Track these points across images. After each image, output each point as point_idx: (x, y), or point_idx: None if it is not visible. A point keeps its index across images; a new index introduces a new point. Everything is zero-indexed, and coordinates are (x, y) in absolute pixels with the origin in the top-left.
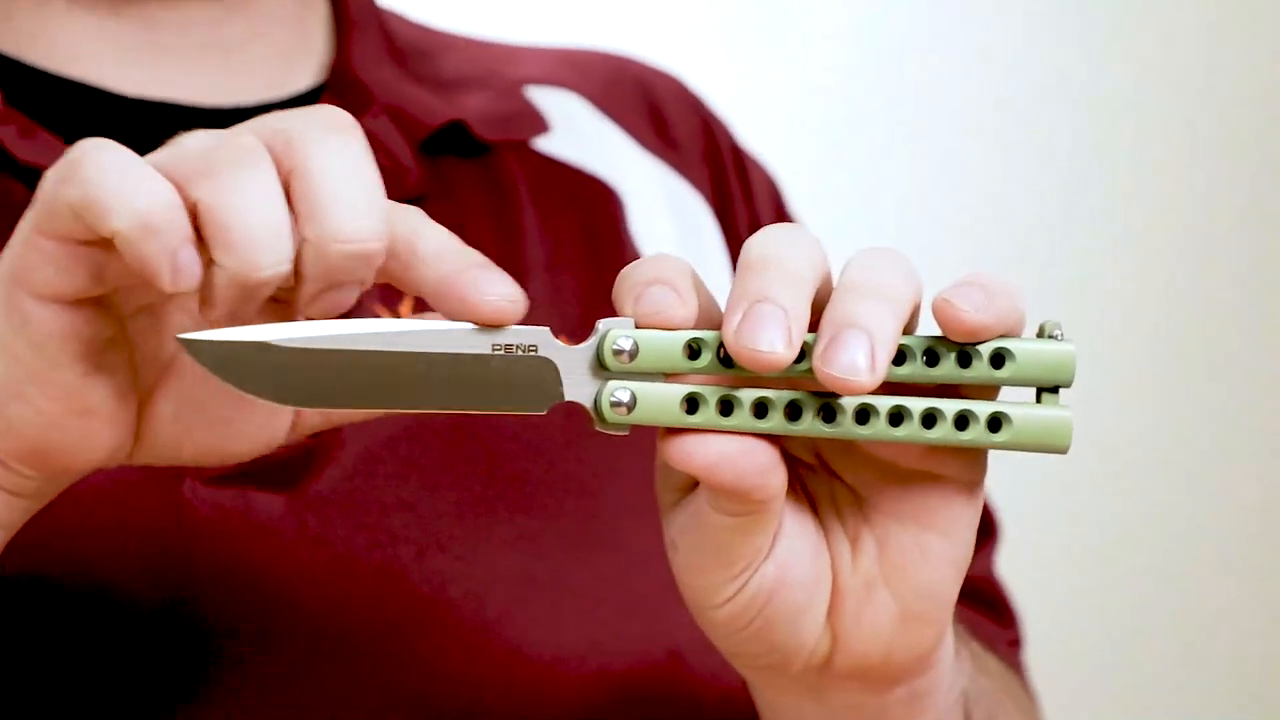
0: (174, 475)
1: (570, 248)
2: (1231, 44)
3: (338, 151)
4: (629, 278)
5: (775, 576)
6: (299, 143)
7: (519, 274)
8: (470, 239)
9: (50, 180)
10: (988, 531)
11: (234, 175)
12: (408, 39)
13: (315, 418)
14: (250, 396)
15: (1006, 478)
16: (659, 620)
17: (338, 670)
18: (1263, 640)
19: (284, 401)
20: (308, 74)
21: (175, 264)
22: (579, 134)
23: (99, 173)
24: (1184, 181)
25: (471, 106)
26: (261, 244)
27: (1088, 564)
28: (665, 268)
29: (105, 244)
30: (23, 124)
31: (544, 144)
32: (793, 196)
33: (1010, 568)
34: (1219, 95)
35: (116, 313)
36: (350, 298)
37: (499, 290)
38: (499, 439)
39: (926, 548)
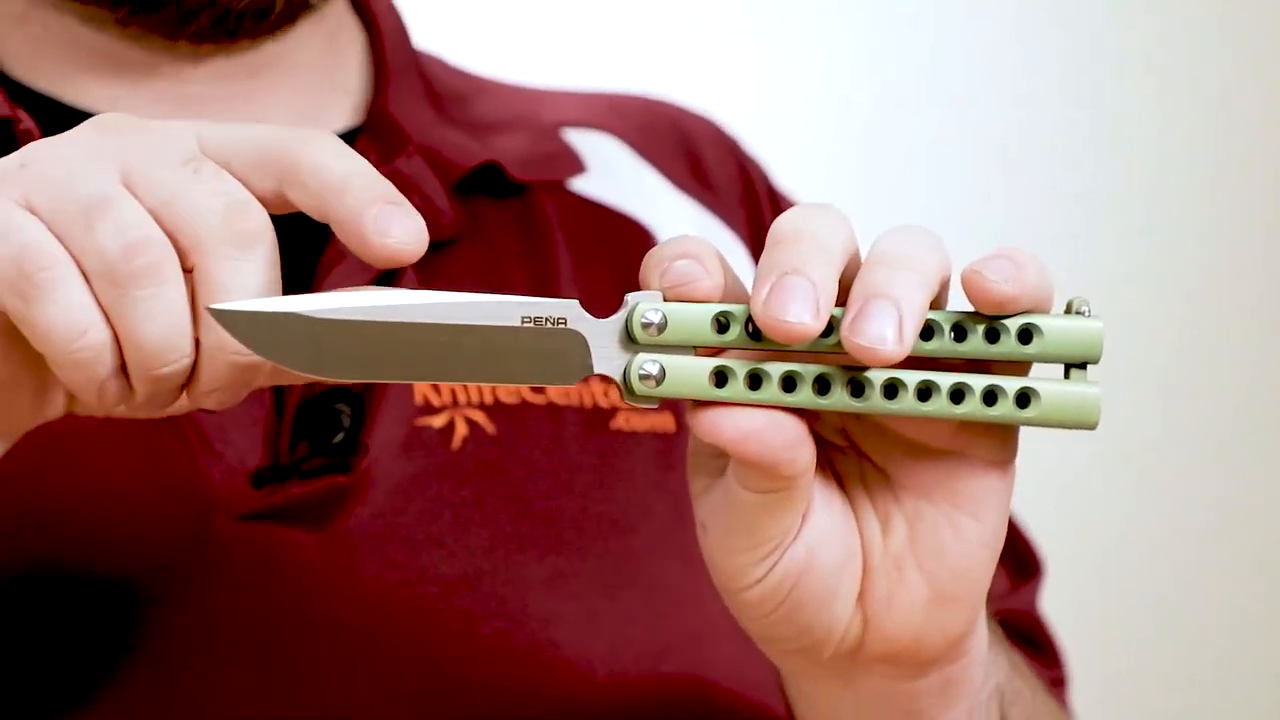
0: (203, 509)
1: (605, 287)
2: (1246, 40)
3: (236, 272)
4: (655, 254)
5: (805, 557)
6: (207, 251)
7: None
8: (504, 279)
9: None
10: (1031, 569)
11: (146, 297)
12: (445, 83)
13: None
14: (280, 364)
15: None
16: (691, 661)
17: (368, 707)
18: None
19: (314, 372)
20: (343, 116)
21: (103, 391)
22: (615, 175)
23: (28, 286)
24: (1204, 177)
25: (506, 148)
26: (165, 349)
27: (1106, 570)
28: (691, 244)
29: None
30: None
31: (580, 185)
32: None
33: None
34: (1239, 92)
35: None
36: (239, 398)
37: (398, 231)
38: (530, 477)
39: (957, 527)
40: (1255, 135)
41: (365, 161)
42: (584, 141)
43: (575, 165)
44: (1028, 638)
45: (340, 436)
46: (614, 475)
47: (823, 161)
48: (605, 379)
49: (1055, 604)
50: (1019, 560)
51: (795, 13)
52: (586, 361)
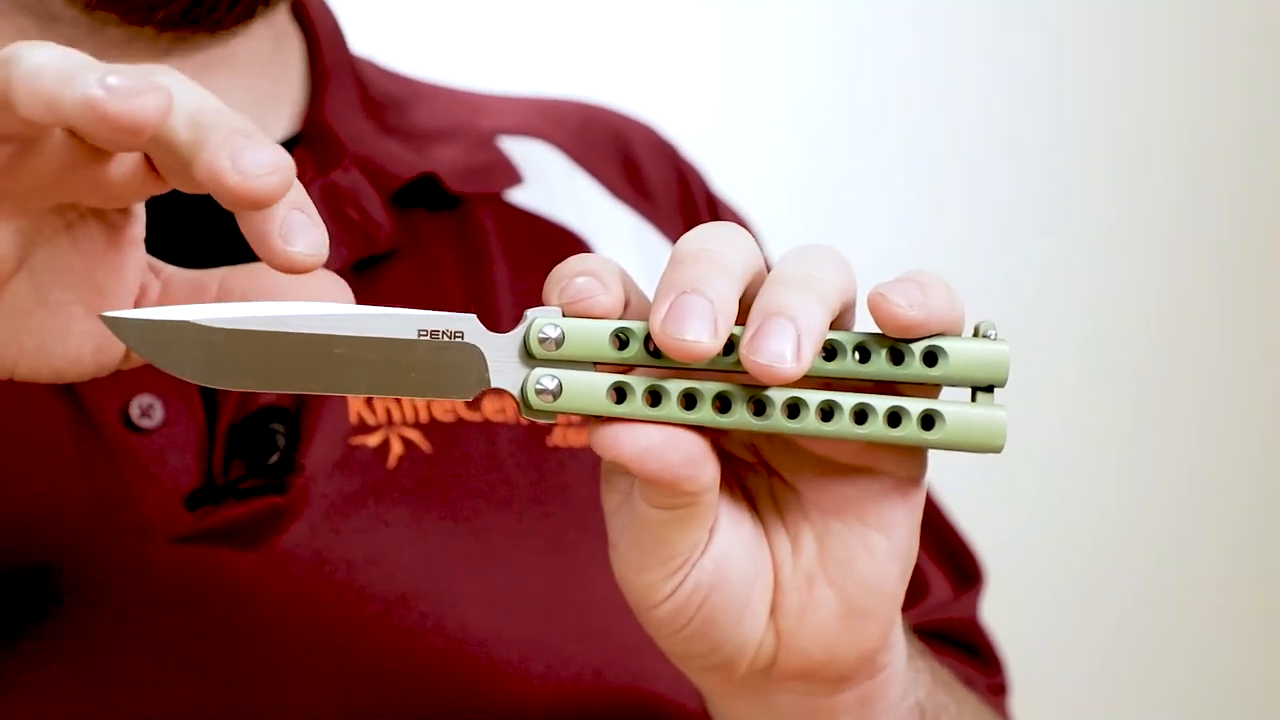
0: (136, 531)
1: (541, 301)
2: (1221, 46)
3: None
4: (556, 272)
5: (713, 572)
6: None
7: (490, 328)
8: (440, 293)
9: None
10: (972, 577)
11: None
12: (382, 89)
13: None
14: (172, 373)
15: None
16: (632, 673)
17: None
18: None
19: (206, 381)
20: (282, 123)
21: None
22: (551, 185)
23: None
24: (1166, 182)
25: (443, 158)
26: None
27: (1069, 576)
28: (591, 262)
29: None
30: None
31: (516, 195)
32: (765, 228)
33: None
34: (1197, 98)
35: None
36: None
37: (261, 159)
38: (466, 495)
39: (867, 544)
40: (1246, 144)
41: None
42: (520, 150)
43: (512, 176)
44: (968, 645)
45: (276, 456)
46: (551, 492)
47: (785, 168)
48: (502, 393)
49: (1026, 613)
50: (960, 568)
51: (759, 18)
52: (483, 375)
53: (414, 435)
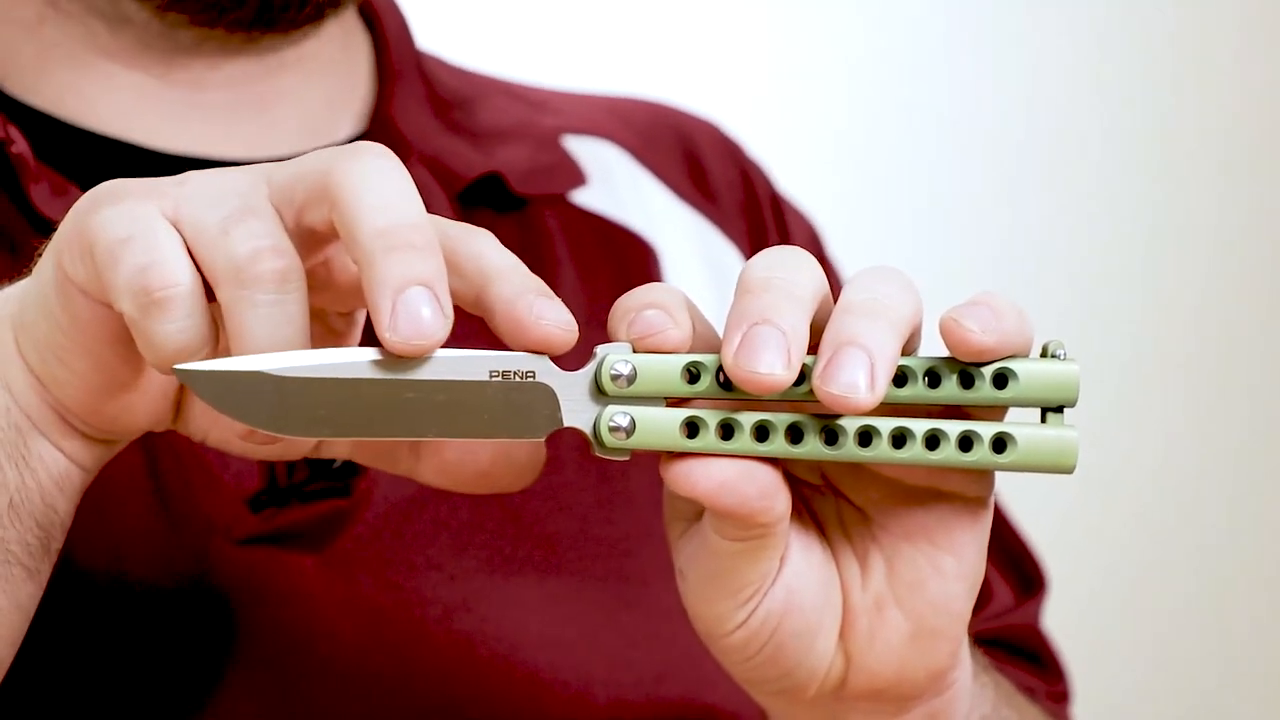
0: (202, 532)
1: (606, 304)
2: (1248, 49)
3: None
4: (622, 305)
5: (784, 600)
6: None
7: None
8: None
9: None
10: (1035, 584)
11: (266, 303)
12: (448, 86)
13: (341, 448)
14: (245, 424)
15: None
16: (690, 684)
17: None
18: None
19: (278, 430)
20: (349, 123)
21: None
22: (616, 186)
23: (147, 300)
24: (1203, 192)
25: (509, 158)
26: None
27: (1105, 585)
28: (658, 294)
29: None
30: (55, 182)
31: (581, 197)
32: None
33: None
34: (1239, 105)
35: None
36: None
37: (552, 316)
38: (528, 499)
39: (936, 565)
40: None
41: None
42: (585, 150)
43: (576, 177)
44: (1031, 653)
45: (340, 460)
46: (613, 496)
47: (828, 165)
48: (575, 433)
49: (1056, 618)
50: (1023, 575)
51: (801, 15)
52: (556, 415)
53: None
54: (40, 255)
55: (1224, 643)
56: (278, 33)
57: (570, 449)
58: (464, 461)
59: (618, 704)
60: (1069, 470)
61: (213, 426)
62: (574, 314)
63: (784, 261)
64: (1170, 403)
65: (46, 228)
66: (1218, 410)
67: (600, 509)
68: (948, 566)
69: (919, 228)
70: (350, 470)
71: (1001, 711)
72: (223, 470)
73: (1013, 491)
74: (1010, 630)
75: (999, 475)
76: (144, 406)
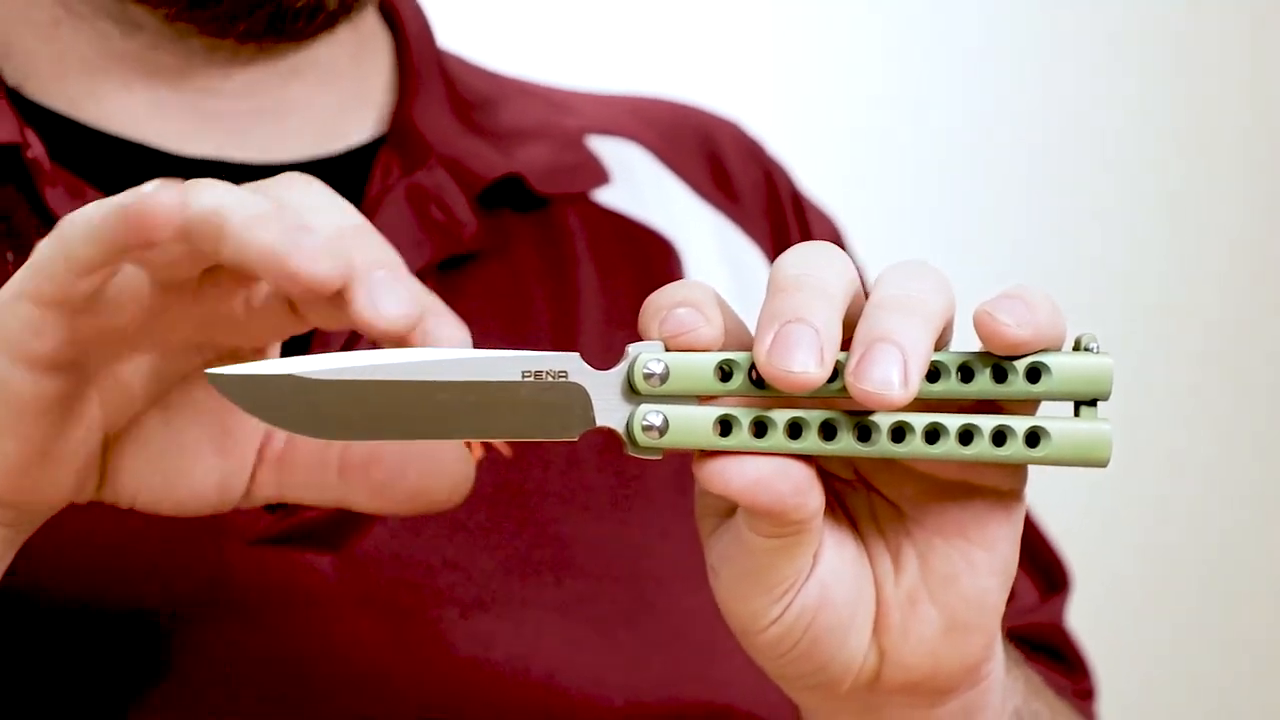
0: (216, 534)
1: (627, 303)
2: (1266, 48)
3: None
4: (653, 302)
5: (818, 596)
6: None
7: (574, 330)
8: (525, 296)
9: (46, 243)
10: (1059, 582)
11: None
12: (470, 87)
13: (269, 489)
14: (277, 429)
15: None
16: (709, 686)
17: None
18: None
19: (310, 434)
20: (367, 126)
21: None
22: (638, 186)
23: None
24: (1223, 185)
25: (530, 159)
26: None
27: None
28: (689, 291)
29: (83, 305)
30: (71, 184)
31: (603, 196)
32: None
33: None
34: (1259, 99)
35: (84, 372)
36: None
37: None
38: (545, 500)
39: (970, 559)
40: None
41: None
42: (608, 150)
43: (599, 176)
44: (1055, 651)
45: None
46: (632, 498)
47: (847, 164)
48: (608, 431)
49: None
50: (1047, 574)
51: (820, 13)
52: (588, 414)
53: None
54: None
55: (1241, 640)
56: (289, 41)
57: (590, 450)
58: (393, 482)
59: (635, 706)
60: (1103, 464)
61: (141, 490)
62: (594, 313)
63: (815, 258)
64: (1188, 399)
65: None
66: (1235, 408)
67: (617, 509)
68: (981, 561)
69: (938, 226)
70: None
71: (1032, 705)
72: None
73: (1032, 491)
74: (1035, 628)
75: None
76: (68, 478)
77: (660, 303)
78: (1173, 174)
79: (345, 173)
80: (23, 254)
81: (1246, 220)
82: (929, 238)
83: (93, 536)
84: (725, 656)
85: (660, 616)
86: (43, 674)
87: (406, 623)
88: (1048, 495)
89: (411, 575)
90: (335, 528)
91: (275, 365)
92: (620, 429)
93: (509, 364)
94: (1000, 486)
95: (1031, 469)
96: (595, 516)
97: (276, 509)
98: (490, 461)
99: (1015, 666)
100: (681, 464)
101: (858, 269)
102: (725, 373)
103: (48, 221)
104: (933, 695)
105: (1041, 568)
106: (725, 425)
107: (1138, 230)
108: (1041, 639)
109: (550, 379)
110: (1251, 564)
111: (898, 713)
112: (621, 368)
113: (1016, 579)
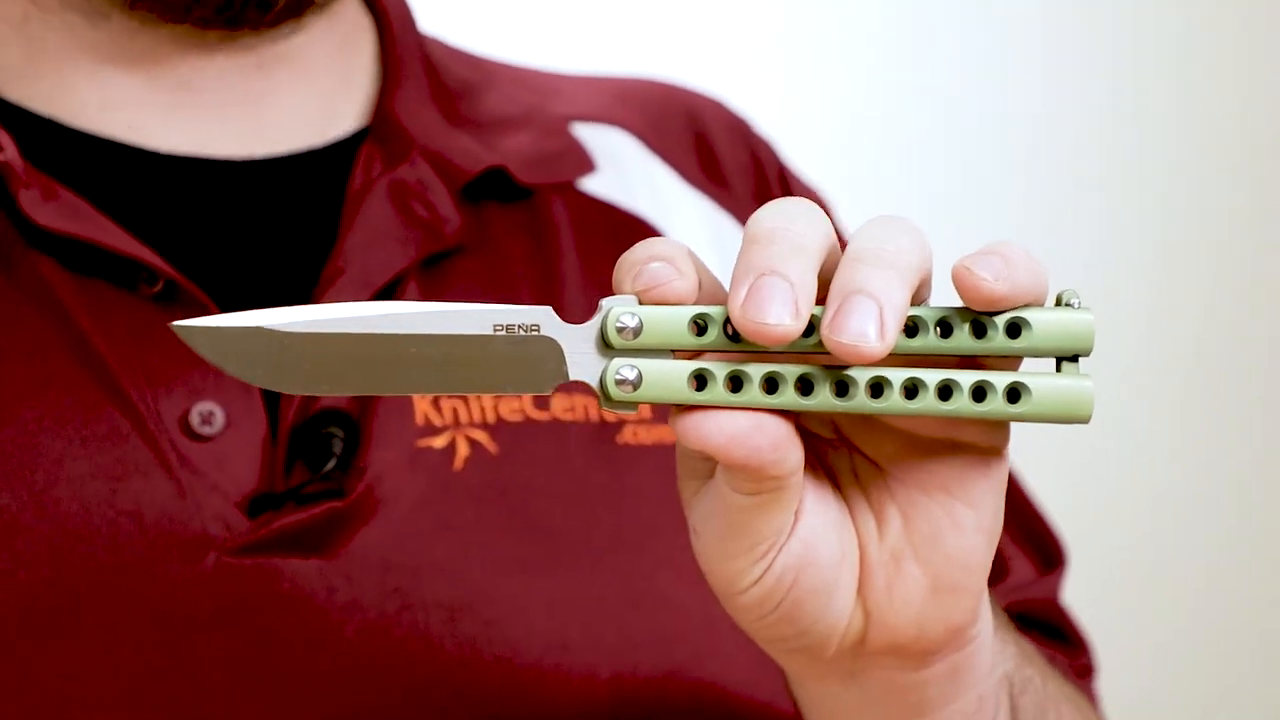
0: (198, 545)
1: (611, 291)
2: (1262, 46)
3: None
4: (627, 258)
5: (800, 555)
6: None
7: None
8: (509, 288)
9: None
10: (1054, 559)
11: None
12: (455, 75)
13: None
14: (244, 379)
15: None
16: (709, 674)
17: None
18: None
19: (280, 387)
20: (350, 117)
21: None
22: (625, 173)
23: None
24: (1218, 179)
25: (514, 148)
26: None
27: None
28: (662, 246)
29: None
30: (45, 186)
31: (590, 184)
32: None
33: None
34: (1250, 98)
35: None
36: None
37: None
38: (533, 497)
39: (954, 517)
40: (1265, 131)
41: None
42: (594, 137)
43: (584, 164)
44: (1052, 627)
45: (332, 462)
46: (621, 491)
47: (841, 150)
48: (580, 385)
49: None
50: (1043, 550)
51: (818, 7)
52: (561, 368)
53: (481, 436)
54: None
55: (1239, 631)
56: (249, 30)
57: (580, 443)
58: None
59: (627, 702)
60: (1085, 420)
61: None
62: (578, 303)
63: (790, 212)
64: (1182, 391)
65: (35, 234)
66: (1229, 399)
67: (607, 504)
68: (965, 519)
69: (934, 214)
70: (344, 472)
71: (1024, 671)
72: (220, 476)
73: (1032, 489)
74: (1031, 604)
75: (1015, 451)
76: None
77: (634, 258)
78: (1169, 169)
79: (327, 166)
80: None
81: (1243, 217)
82: (923, 227)
83: (66, 545)
84: (717, 650)
85: (650, 611)
86: (16, 690)
87: (393, 628)
88: (1047, 493)
89: (397, 579)
90: (318, 532)
91: (243, 317)
92: (594, 383)
93: (480, 317)
94: (981, 443)
95: (1030, 469)
96: (585, 513)
97: (259, 513)
98: (477, 460)
99: (1006, 632)
100: (670, 457)
101: (837, 231)
102: (700, 327)
103: (21, 225)
104: (919, 657)
105: (1038, 544)
106: (700, 379)
107: (1135, 225)
108: (1038, 615)
109: (522, 333)
110: (1248, 554)
111: (884, 675)
112: (595, 321)
113: (1011, 556)
